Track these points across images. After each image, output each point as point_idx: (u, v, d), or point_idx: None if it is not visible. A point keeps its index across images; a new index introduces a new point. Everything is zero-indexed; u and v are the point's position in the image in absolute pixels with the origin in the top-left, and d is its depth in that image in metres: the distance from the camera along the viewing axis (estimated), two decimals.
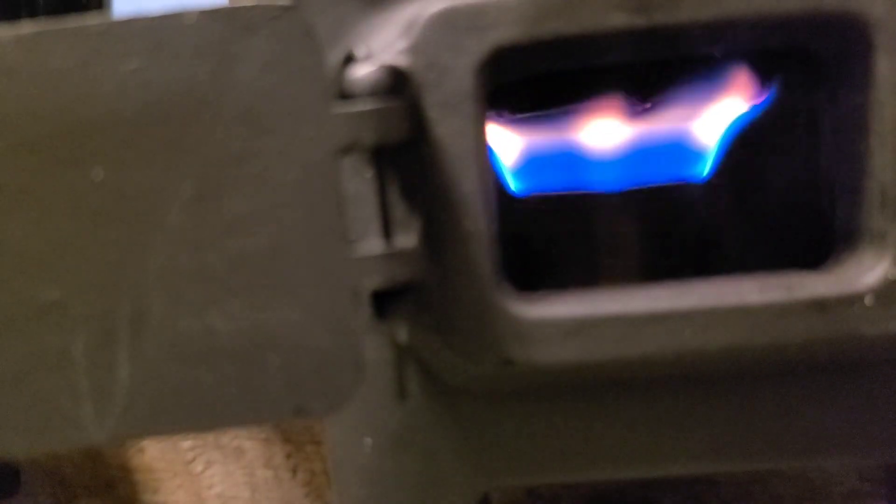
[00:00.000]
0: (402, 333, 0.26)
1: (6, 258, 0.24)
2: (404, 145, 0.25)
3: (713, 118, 0.31)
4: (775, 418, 0.29)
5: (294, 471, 0.50)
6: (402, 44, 0.26)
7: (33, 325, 0.24)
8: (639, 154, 0.32)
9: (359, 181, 0.26)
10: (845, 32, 0.27)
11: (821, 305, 0.27)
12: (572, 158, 0.32)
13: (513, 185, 0.33)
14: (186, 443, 0.51)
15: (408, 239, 0.26)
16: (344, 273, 0.24)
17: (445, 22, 0.26)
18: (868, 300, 0.27)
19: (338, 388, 0.24)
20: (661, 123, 0.31)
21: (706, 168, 0.32)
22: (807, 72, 0.30)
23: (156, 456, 0.51)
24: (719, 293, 0.27)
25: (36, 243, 0.24)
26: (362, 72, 0.25)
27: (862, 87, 0.28)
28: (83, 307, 0.24)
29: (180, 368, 0.24)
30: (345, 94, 0.25)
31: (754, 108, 0.31)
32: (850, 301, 0.27)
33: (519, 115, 0.32)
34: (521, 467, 0.29)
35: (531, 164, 0.33)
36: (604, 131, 0.31)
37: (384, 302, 0.25)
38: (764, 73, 0.31)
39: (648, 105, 0.31)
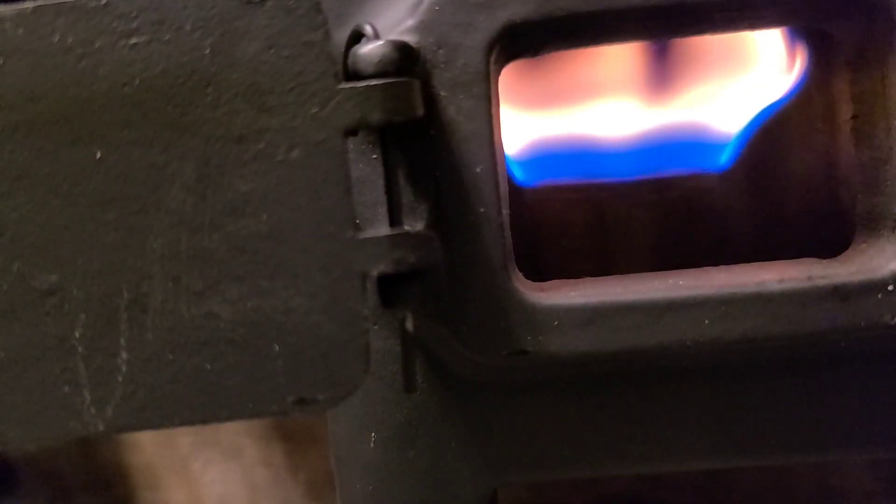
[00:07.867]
0: (410, 322, 0.25)
1: (3, 241, 0.23)
2: (413, 125, 0.24)
3: (738, 107, 0.30)
4: (794, 411, 0.28)
5: (294, 470, 0.49)
6: (410, 21, 0.26)
7: (31, 311, 0.24)
8: (658, 144, 0.31)
9: (365, 163, 0.25)
10: (866, 14, 0.27)
11: (842, 293, 0.26)
12: (591, 149, 0.31)
13: (520, 174, 0.33)
14: (184, 441, 0.50)
15: (416, 223, 0.25)
16: (350, 257, 0.23)
17: None
18: (890, 288, 0.26)
19: (343, 379, 0.24)
20: (684, 112, 0.30)
21: (727, 158, 0.31)
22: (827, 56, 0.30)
23: (153, 454, 0.51)
24: (738, 281, 0.26)
25: (34, 226, 0.24)
26: (369, 48, 0.24)
27: (883, 70, 0.27)
28: (82, 292, 0.23)
29: (180, 356, 0.24)
30: (351, 73, 0.24)
31: (782, 97, 0.30)
32: (872, 289, 0.26)
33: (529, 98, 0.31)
34: (532, 462, 0.29)
35: (541, 153, 0.32)
36: (621, 119, 0.31)
37: (391, 289, 0.24)
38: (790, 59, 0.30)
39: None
